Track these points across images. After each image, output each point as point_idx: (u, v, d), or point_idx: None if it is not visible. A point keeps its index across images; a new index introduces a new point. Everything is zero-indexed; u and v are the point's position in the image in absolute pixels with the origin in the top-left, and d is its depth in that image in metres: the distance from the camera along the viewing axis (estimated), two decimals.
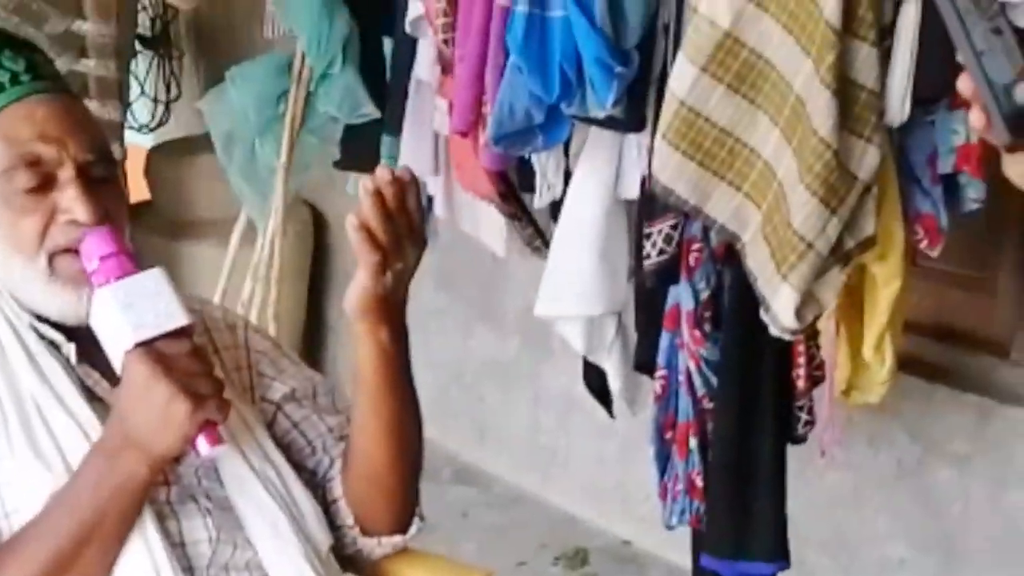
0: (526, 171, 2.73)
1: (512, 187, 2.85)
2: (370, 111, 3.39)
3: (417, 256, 1.67)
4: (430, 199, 3.53)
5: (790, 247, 2.18)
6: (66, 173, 1.64)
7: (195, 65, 5.02)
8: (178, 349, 1.57)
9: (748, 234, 2.26)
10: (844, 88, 2.13)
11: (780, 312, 2.22)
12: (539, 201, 2.69)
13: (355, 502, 1.82)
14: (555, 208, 2.74)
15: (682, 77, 2.20)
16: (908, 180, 2.33)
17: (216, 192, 4.17)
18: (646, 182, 2.43)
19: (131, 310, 1.56)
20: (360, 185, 1.62)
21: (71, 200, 1.63)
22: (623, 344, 2.65)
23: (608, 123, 2.37)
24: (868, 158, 2.17)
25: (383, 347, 1.69)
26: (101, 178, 1.68)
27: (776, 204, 2.21)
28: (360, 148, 3.46)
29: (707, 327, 2.45)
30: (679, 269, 2.44)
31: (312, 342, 4.63)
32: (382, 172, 1.62)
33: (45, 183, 1.64)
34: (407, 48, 3.16)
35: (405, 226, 1.63)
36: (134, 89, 4.87)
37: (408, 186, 1.63)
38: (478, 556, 3.54)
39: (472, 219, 3.31)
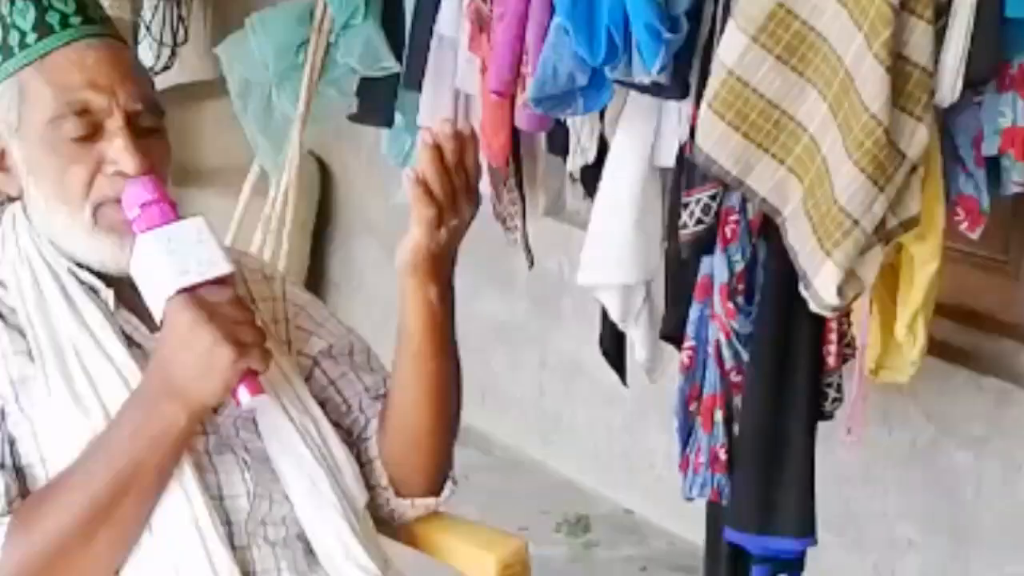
0: (558, 133, 2.69)
1: (520, 163, 2.81)
2: (390, 64, 3.36)
3: (472, 213, 1.65)
4: None
5: (835, 224, 2.14)
6: (115, 123, 1.62)
7: (203, 9, 4.94)
8: (220, 296, 1.54)
9: (789, 208, 2.23)
10: (896, 65, 2.10)
11: (821, 289, 2.19)
12: (571, 163, 2.66)
13: (390, 463, 1.80)
14: (584, 173, 2.71)
15: (732, 46, 2.16)
16: (952, 161, 2.30)
17: (225, 140, 4.13)
18: (684, 150, 2.39)
19: (174, 256, 1.54)
20: (419, 138, 1.59)
21: (119, 151, 1.61)
22: (650, 313, 2.63)
23: (652, 89, 2.34)
24: (918, 136, 2.14)
25: (431, 305, 1.67)
26: (148, 128, 1.65)
27: (819, 179, 2.18)
28: (377, 102, 3.44)
29: (740, 300, 2.42)
30: (715, 240, 2.41)
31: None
32: (443, 126, 1.58)
33: (93, 132, 1.62)
34: (429, 2, 3.13)
35: (462, 182, 1.60)
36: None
37: (468, 141, 1.60)
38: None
39: (485, 179, 3.28)
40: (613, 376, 3.61)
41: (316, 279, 4.63)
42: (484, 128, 2.81)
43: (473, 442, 4.06)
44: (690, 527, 3.51)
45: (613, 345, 2.82)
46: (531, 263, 3.15)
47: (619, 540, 3.66)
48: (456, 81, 3.16)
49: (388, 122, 3.37)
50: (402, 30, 3.34)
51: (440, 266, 1.65)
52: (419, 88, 3.28)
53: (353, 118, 3.51)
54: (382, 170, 4.19)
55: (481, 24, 2.69)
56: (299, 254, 4.39)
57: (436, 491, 1.84)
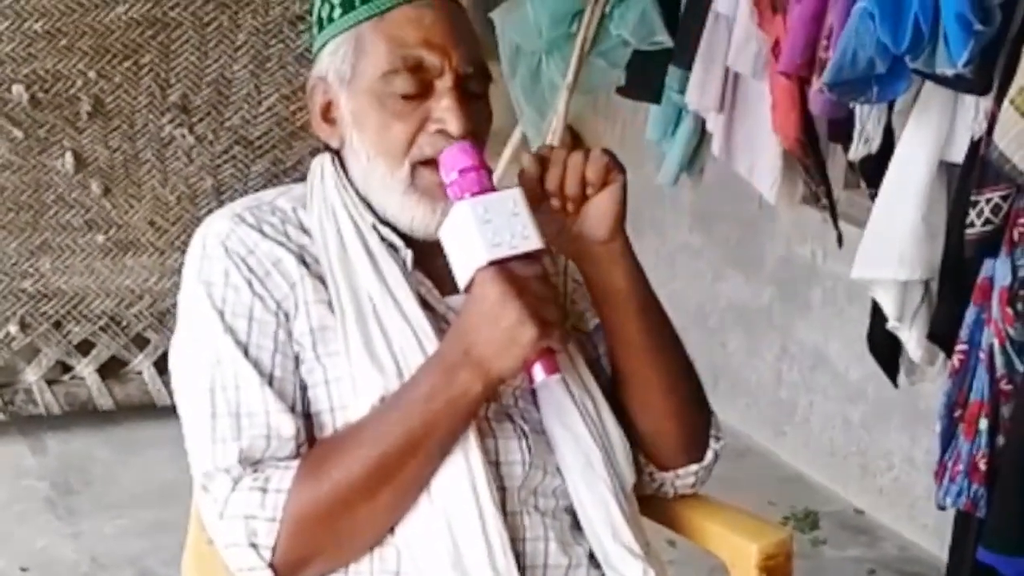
0: (841, 121, 2.63)
1: (815, 138, 2.77)
2: (663, 39, 3.34)
3: (617, 191, 1.65)
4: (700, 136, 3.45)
5: None
6: (445, 83, 1.62)
7: None
8: (530, 272, 1.53)
9: None
10: None
11: None
12: (854, 153, 2.60)
13: (644, 437, 1.76)
14: (864, 163, 2.65)
15: None
16: None
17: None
18: (977, 147, 2.32)
19: (489, 227, 1.52)
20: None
21: (445, 110, 1.61)
22: (928, 312, 2.55)
23: (953, 82, 2.26)
24: None
25: (616, 289, 1.68)
26: (475, 93, 1.65)
27: None
28: (646, 77, 3.42)
29: (1020, 306, 2.33)
30: (1000, 242, 2.33)
31: None
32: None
33: (423, 90, 1.62)
34: None
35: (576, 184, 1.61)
36: None
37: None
38: None
39: (748, 162, 3.24)
40: (858, 371, 3.55)
41: None
42: (776, 108, 2.77)
43: None
44: (924, 534, 3.43)
45: (884, 344, 2.73)
46: (839, 240, 3.05)
47: (848, 540, 3.59)
48: (728, 60, 3.12)
49: (656, 98, 3.34)
50: (677, 6, 3.32)
51: (609, 253, 1.66)
52: (689, 66, 3.25)
53: (621, 91, 3.51)
54: (636, 146, 4.17)
55: (775, 4, 2.64)
56: None
57: (698, 457, 1.80)
